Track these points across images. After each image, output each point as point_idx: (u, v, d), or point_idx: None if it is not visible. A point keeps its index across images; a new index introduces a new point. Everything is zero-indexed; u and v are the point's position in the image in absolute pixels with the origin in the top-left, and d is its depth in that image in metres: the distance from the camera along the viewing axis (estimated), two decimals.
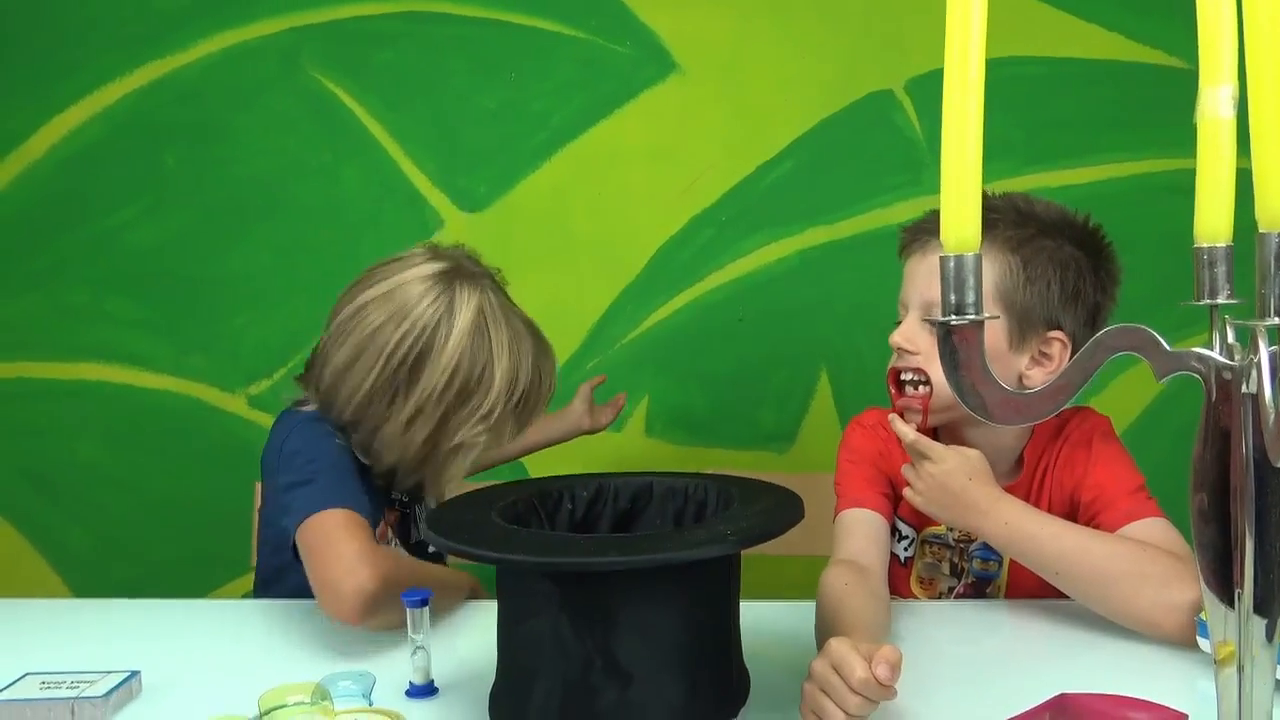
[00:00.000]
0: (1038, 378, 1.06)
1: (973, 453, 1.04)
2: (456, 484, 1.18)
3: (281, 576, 1.18)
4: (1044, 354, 1.08)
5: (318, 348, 1.17)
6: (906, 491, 1.06)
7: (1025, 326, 1.06)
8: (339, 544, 1.00)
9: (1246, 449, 0.57)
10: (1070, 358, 1.06)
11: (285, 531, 1.08)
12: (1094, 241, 1.10)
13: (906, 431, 1.06)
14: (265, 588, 1.23)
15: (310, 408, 1.16)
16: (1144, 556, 0.97)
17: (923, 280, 1.10)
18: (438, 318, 1.11)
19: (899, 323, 1.13)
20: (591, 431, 1.59)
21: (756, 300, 1.85)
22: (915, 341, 1.10)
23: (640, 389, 1.87)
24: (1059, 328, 1.07)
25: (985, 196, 0.63)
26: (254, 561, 1.40)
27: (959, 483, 1.03)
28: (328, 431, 1.14)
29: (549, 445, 1.58)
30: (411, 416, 1.11)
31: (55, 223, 1.89)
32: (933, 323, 1.06)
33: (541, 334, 1.20)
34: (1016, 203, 1.10)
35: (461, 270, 1.15)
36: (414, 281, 1.12)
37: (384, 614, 0.97)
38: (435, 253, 1.16)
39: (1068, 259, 1.07)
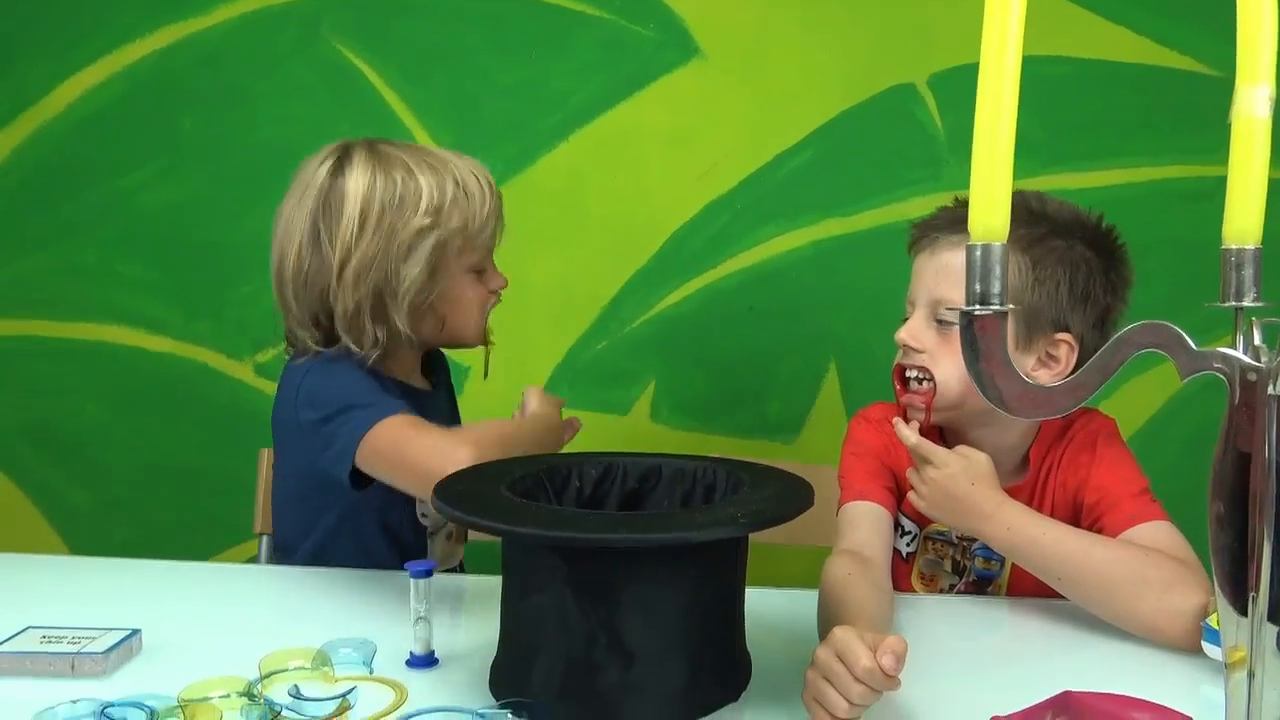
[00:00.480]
0: (1044, 379, 1.05)
1: (979, 456, 1.04)
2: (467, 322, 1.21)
3: (308, 531, 1.19)
4: (1051, 355, 1.07)
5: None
6: (911, 495, 1.07)
7: (1033, 327, 1.06)
8: (418, 438, 1.01)
9: (1270, 452, 0.57)
10: (1077, 360, 1.06)
11: (322, 473, 1.08)
12: (1106, 243, 1.09)
13: (909, 435, 1.06)
14: (287, 553, 1.23)
15: (303, 358, 1.16)
16: (1147, 561, 0.97)
17: (930, 278, 1.10)
18: (332, 166, 1.15)
19: (906, 319, 1.13)
20: None
21: (768, 289, 1.84)
22: (920, 339, 1.10)
23: (647, 373, 1.87)
24: (1067, 329, 1.06)
25: None
26: (257, 529, 1.40)
27: (962, 487, 1.03)
28: (335, 361, 1.13)
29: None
30: (343, 260, 1.11)
31: (69, 182, 1.89)
32: (942, 321, 1.08)
33: (466, 160, 1.21)
34: (1029, 201, 1.09)
35: (352, 140, 1.19)
36: (308, 161, 1.17)
37: None
38: None
39: (1078, 260, 1.06)
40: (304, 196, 1.15)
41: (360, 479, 1.06)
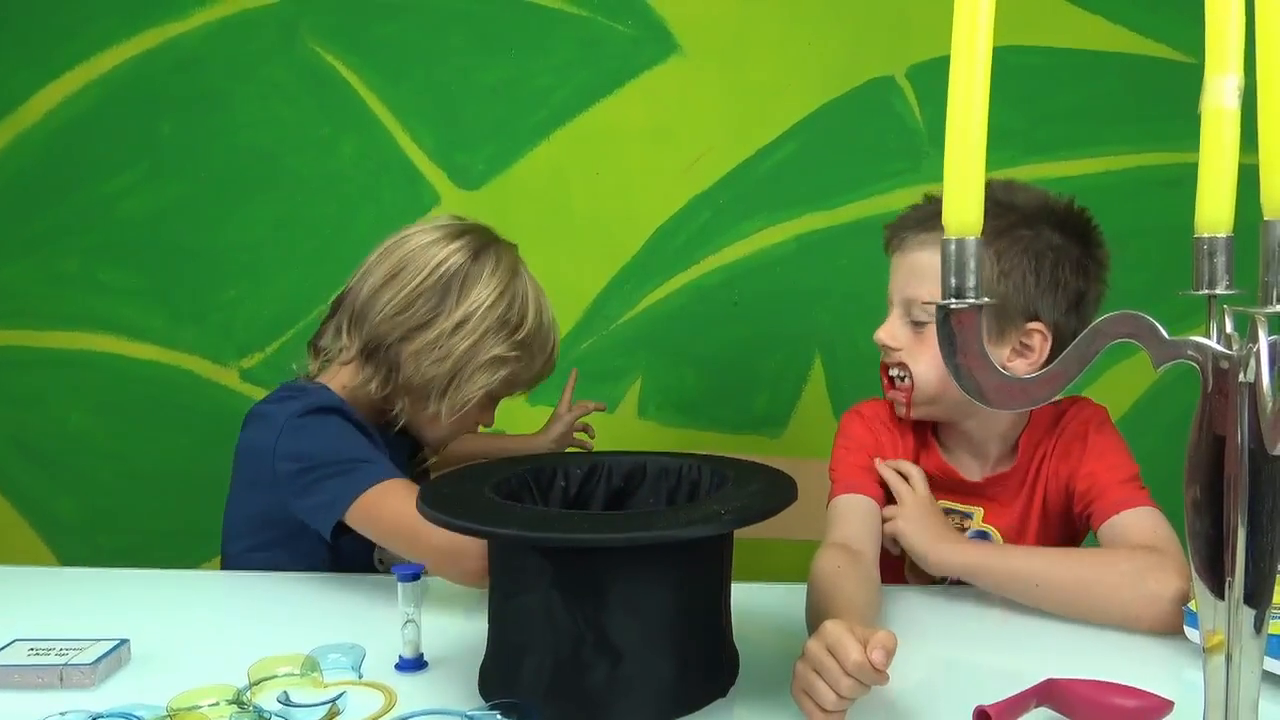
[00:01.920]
0: (1020, 369, 1.06)
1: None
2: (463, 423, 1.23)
3: (251, 553, 1.18)
4: (1025, 345, 1.08)
5: (342, 292, 1.22)
6: (892, 524, 1.10)
7: (1003, 319, 1.06)
8: (411, 518, 1.01)
9: (1242, 438, 0.57)
10: (1052, 347, 1.07)
11: (287, 514, 1.09)
12: (1077, 226, 1.10)
13: (887, 471, 1.14)
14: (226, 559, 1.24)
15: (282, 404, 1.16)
16: (1116, 555, 1.00)
17: (903, 278, 1.11)
18: (478, 248, 1.20)
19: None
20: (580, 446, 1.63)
21: (753, 284, 1.84)
22: (897, 337, 1.11)
23: (634, 370, 1.87)
24: (1038, 318, 1.07)
25: None
26: None
27: (937, 512, 1.10)
28: (322, 415, 1.13)
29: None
30: (460, 322, 1.16)
31: (49, 190, 1.88)
32: (916, 320, 1.09)
33: (555, 323, 1.28)
34: (996, 192, 1.09)
35: (499, 239, 1.25)
36: (438, 235, 1.21)
37: None
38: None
39: (1045, 248, 1.07)
40: (440, 258, 1.18)
41: (337, 531, 1.07)
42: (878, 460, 1.15)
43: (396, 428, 1.23)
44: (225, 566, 1.25)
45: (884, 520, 1.11)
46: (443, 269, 1.17)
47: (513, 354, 1.18)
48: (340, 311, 1.22)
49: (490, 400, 1.24)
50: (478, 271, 1.18)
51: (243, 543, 1.20)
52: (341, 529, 1.07)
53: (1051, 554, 1.04)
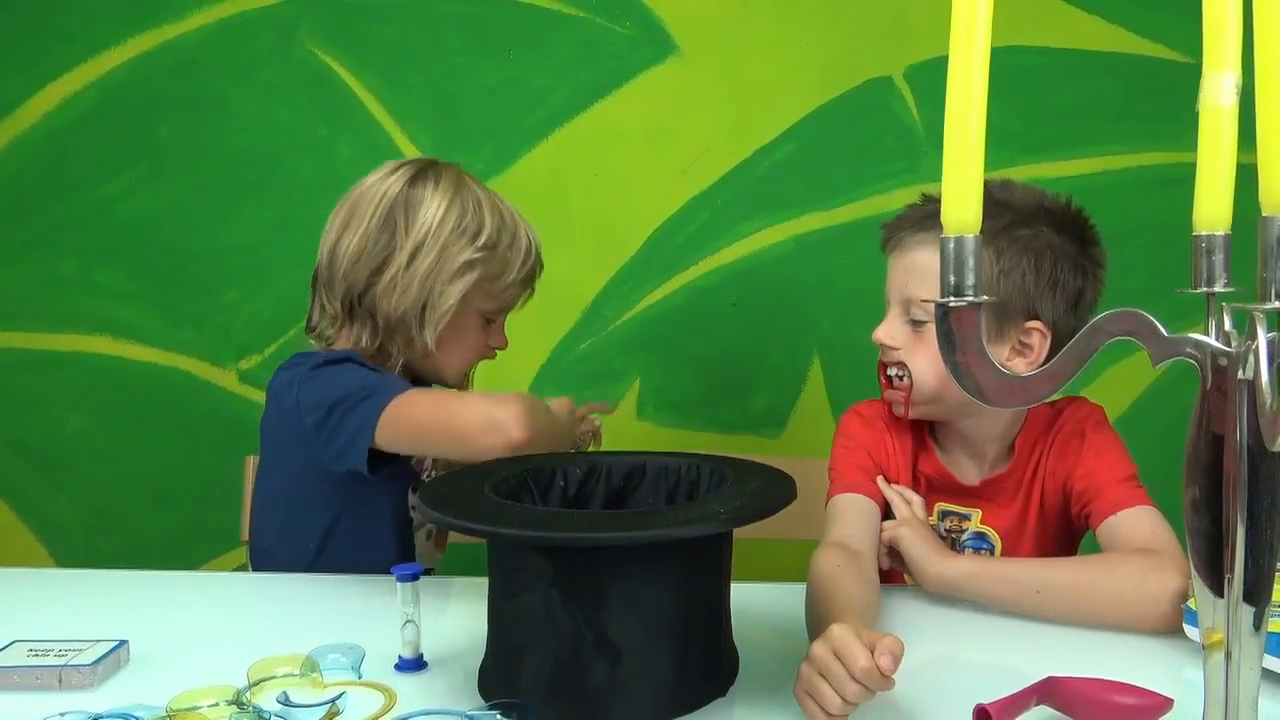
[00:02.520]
0: (1019, 368, 1.07)
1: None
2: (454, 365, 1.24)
3: (285, 538, 1.19)
4: (1024, 344, 1.08)
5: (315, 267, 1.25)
6: (892, 532, 1.09)
7: (1003, 317, 1.07)
8: (451, 400, 1.07)
9: (1241, 435, 0.58)
10: (1051, 346, 1.07)
11: (322, 473, 1.11)
12: (1074, 226, 1.10)
13: (890, 491, 1.14)
14: (265, 557, 1.24)
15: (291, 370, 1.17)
16: (1115, 558, 1.01)
17: (901, 277, 1.11)
18: (414, 173, 1.21)
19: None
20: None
21: (751, 284, 1.84)
22: (896, 337, 1.12)
23: (632, 371, 1.87)
24: (1037, 317, 1.07)
25: None
26: (244, 536, 1.40)
27: (932, 532, 1.09)
28: (335, 364, 1.15)
29: None
30: (414, 250, 1.16)
31: (46, 192, 1.87)
32: (914, 319, 1.09)
33: (528, 225, 1.27)
34: (994, 191, 1.09)
35: (439, 161, 1.25)
36: (383, 173, 1.22)
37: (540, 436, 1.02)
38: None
39: (1043, 247, 1.07)
40: (377, 192, 1.19)
41: (374, 463, 1.08)
42: (882, 480, 1.15)
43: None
44: (255, 552, 1.25)
45: (882, 531, 1.10)
46: (385, 201, 1.18)
47: (479, 255, 1.18)
48: (316, 284, 1.24)
49: (483, 318, 1.24)
50: (418, 194, 1.18)
51: (278, 517, 1.22)
52: (378, 459, 1.08)
53: (1050, 561, 1.04)
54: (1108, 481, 1.08)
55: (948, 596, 1.02)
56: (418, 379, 1.26)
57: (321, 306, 1.22)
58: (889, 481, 1.17)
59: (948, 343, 0.61)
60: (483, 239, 1.18)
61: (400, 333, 1.19)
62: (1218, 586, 0.60)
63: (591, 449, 1.51)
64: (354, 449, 1.07)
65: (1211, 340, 0.58)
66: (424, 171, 1.21)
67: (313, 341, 1.26)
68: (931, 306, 1.04)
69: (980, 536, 1.15)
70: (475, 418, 1.01)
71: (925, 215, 1.09)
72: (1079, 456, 1.11)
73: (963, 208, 0.59)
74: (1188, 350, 0.59)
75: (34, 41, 1.84)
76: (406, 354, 1.21)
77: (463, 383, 1.29)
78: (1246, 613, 0.60)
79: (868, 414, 1.21)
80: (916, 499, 1.13)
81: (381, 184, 1.20)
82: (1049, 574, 0.99)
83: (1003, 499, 1.15)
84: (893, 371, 1.13)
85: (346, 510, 1.18)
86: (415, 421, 1.06)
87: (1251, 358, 0.56)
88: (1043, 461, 1.14)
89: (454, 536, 1.38)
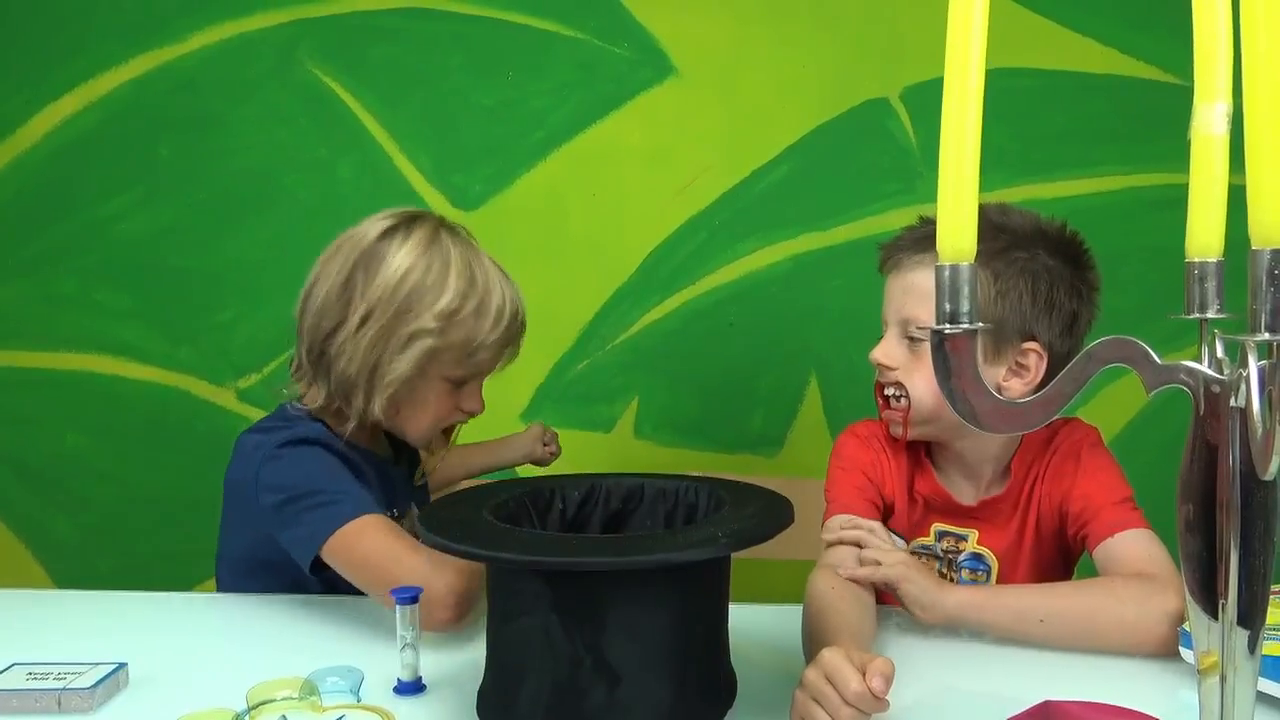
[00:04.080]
0: (1016, 389, 1.07)
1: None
2: (424, 430, 1.19)
3: (254, 578, 1.18)
4: (1020, 365, 1.09)
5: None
6: (881, 571, 1.03)
7: (1000, 339, 1.07)
8: (402, 553, 1.01)
9: (1233, 462, 0.58)
10: (1047, 367, 1.08)
11: (266, 549, 1.09)
12: (1069, 249, 1.11)
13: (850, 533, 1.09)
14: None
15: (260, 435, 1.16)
16: (1114, 583, 1.00)
17: (899, 298, 1.12)
18: (391, 230, 1.14)
19: (883, 337, 1.15)
20: (538, 463, 1.61)
21: (748, 304, 1.85)
22: (893, 357, 1.12)
23: (630, 391, 1.88)
24: (1034, 338, 1.08)
25: None
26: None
27: (925, 566, 1.06)
28: (299, 446, 1.12)
29: (497, 468, 1.59)
30: (365, 315, 1.11)
31: (47, 211, 1.88)
32: (912, 338, 1.10)
33: (507, 285, 1.19)
34: (990, 215, 1.10)
35: (425, 214, 1.19)
36: (370, 221, 1.17)
37: (473, 607, 1.00)
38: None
39: (1040, 269, 1.08)
40: (354, 243, 1.15)
41: (316, 566, 1.06)
42: (832, 525, 1.11)
43: (397, 452, 1.22)
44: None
45: (863, 566, 1.05)
46: (355, 254, 1.13)
47: (434, 326, 1.11)
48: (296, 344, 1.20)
49: (449, 383, 1.17)
50: (382, 251, 1.12)
51: (236, 576, 1.20)
52: (320, 564, 1.06)
53: (1051, 588, 1.03)
54: (1104, 504, 1.08)
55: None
56: (390, 434, 1.25)
57: (297, 350, 1.19)
58: (886, 502, 1.17)
59: (943, 368, 0.62)
60: (440, 306, 1.11)
61: (353, 396, 1.13)
62: (1212, 610, 0.61)
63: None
64: (300, 549, 1.06)
65: (1204, 368, 0.59)
66: (397, 227, 1.15)
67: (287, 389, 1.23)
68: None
69: (977, 558, 1.15)
70: (411, 570, 0.98)
71: (923, 237, 1.10)
72: (1075, 478, 1.11)
73: (958, 236, 0.60)
74: (1181, 377, 0.60)
75: (35, 62, 1.85)
76: (369, 418, 1.15)
77: (427, 444, 1.24)
78: (1241, 636, 0.60)
79: (864, 434, 1.21)
80: (873, 525, 1.10)
81: (361, 233, 1.15)
82: (1052, 602, 0.98)
83: (1000, 520, 1.15)
84: (890, 392, 1.13)
85: (304, 581, 1.14)
86: (359, 559, 1.03)
87: (1243, 386, 0.57)
88: (1038, 483, 1.14)
89: None
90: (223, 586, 1.23)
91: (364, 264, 1.12)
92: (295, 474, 1.09)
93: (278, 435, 1.13)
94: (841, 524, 1.10)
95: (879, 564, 1.02)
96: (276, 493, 1.08)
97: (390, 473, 1.25)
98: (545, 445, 1.61)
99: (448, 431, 1.27)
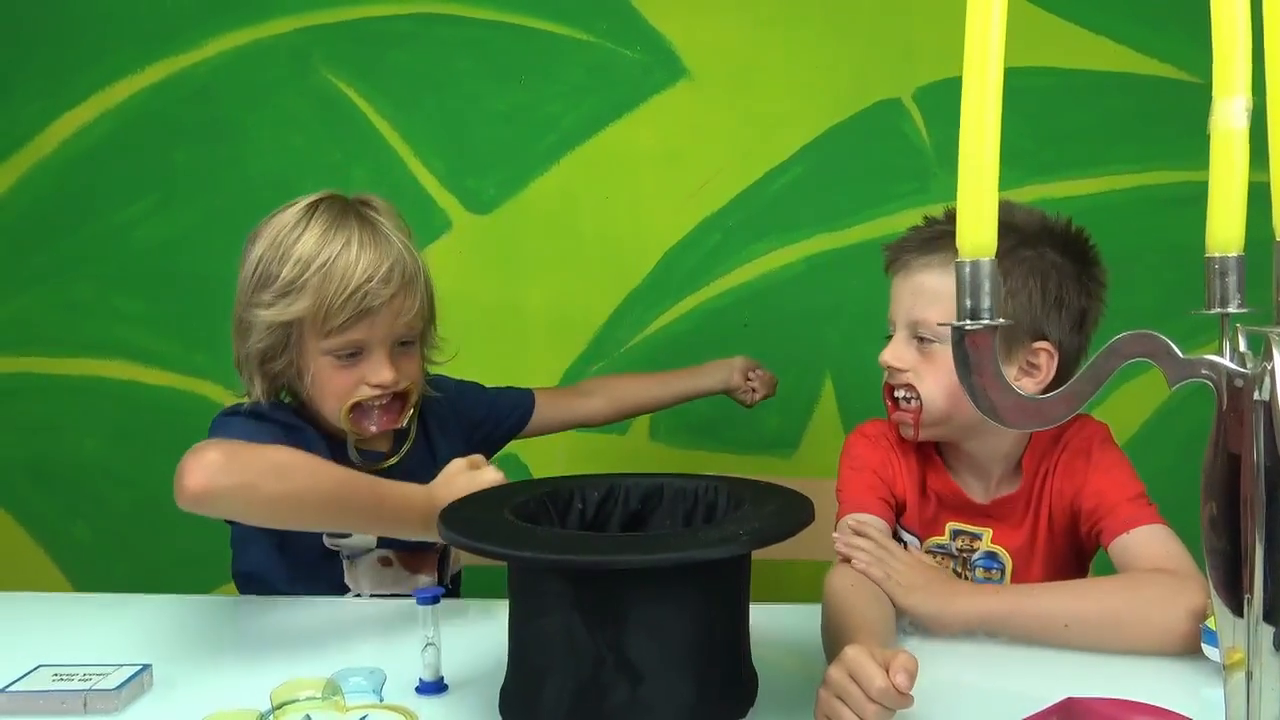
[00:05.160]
0: (1028, 389, 1.07)
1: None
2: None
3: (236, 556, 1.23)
4: (1031, 364, 1.08)
5: None
6: (889, 585, 1.01)
7: (1010, 339, 1.07)
8: (200, 446, 1.01)
9: (1258, 456, 0.58)
10: (1057, 365, 1.08)
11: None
12: (1076, 246, 1.11)
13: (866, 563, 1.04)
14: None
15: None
16: (1136, 581, 0.98)
17: (907, 300, 1.11)
18: (279, 212, 1.20)
19: (889, 337, 1.14)
20: (735, 395, 1.60)
21: (762, 305, 1.85)
22: (903, 359, 1.11)
23: None
24: (1044, 337, 1.08)
25: None
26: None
27: (931, 569, 1.05)
28: (232, 415, 1.18)
29: (686, 397, 1.60)
30: (237, 302, 1.20)
31: (64, 218, 1.90)
32: (922, 339, 1.09)
33: (374, 250, 1.17)
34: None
35: (326, 194, 1.22)
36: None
37: (232, 495, 0.98)
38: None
39: (1048, 267, 1.07)
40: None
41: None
42: (842, 532, 1.09)
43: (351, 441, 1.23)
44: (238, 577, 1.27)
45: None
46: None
47: (272, 299, 1.15)
48: None
49: (334, 357, 1.16)
50: (257, 232, 1.20)
51: (249, 543, 1.24)
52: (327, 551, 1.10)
53: (1073, 588, 1.01)
54: (1118, 500, 1.07)
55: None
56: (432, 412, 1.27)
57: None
58: (898, 500, 1.16)
59: (964, 365, 0.62)
60: (284, 276, 1.15)
61: (246, 380, 1.20)
62: (1237, 606, 0.60)
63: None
64: None
65: (1227, 362, 0.59)
66: (288, 207, 1.21)
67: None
68: (940, 328, 1.06)
69: (991, 556, 1.15)
70: (179, 466, 0.97)
71: (929, 238, 1.10)
72: (1086, 475, 1.11)
73: (978, 231, 0.60)
74: (1203, 372, 0.59)
75: (52, 70, 1.87)
76: (278, 397, 1.21)
77: (345, 424, 1.19)
78: (1266, 632, 0.60)
79: (872, 433, 1.21)
80: (875, 522, 1.10)
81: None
82: (1076, 605, 0.96)
83: (1013, 519, 1.15)
84: (900, 394, 1.13)
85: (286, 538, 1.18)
86: None
87: (1267, 379, 0.57)
88: (1049, 480, 1.14)
89: (469, 559, 1.38)
90: (244, 588, 1.24)
91: (246, 249, 1.20)
92: (223, 428, 1.14)
93: (225, 409, 1.20)
94: (852, 524, 1.09)
95: (888, 576, 1.01)
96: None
97: (345, 455, 1.23)
98: (748, 380, 1.58)
99: (394, 416, 1.21)
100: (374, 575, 1.23)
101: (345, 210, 1.19)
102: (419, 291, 1.19)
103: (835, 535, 1.08)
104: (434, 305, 1.25)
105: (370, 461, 1.23)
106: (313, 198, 1.20)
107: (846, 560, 1.04)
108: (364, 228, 1.17)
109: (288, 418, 1.20)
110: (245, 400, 1.21)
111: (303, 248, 1.15)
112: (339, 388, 1.18)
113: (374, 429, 1.20)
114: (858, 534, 1.07)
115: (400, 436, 1.28)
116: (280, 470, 0.99)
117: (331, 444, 1.21)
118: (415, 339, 1.23)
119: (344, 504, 1.02)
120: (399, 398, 1.21)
